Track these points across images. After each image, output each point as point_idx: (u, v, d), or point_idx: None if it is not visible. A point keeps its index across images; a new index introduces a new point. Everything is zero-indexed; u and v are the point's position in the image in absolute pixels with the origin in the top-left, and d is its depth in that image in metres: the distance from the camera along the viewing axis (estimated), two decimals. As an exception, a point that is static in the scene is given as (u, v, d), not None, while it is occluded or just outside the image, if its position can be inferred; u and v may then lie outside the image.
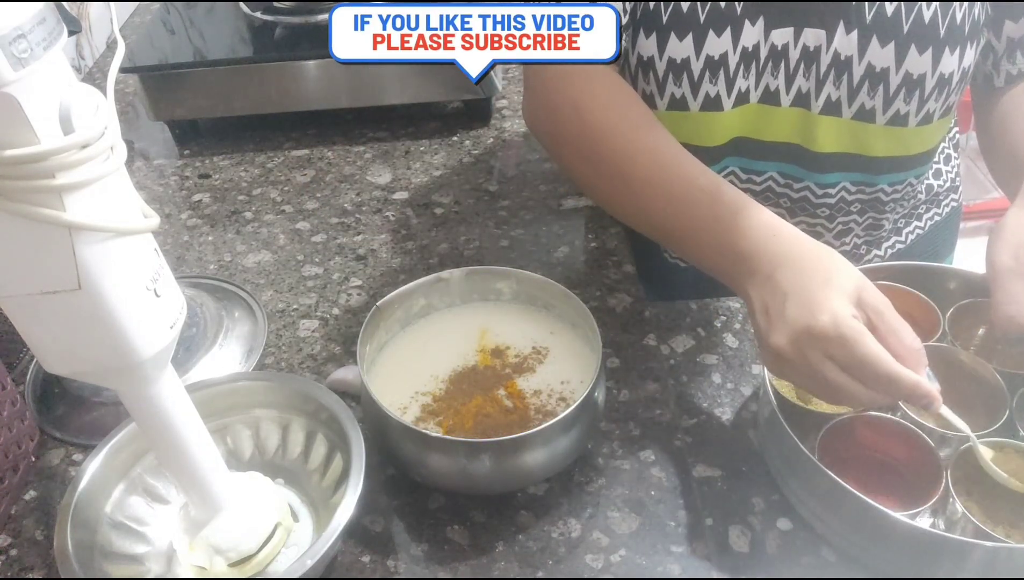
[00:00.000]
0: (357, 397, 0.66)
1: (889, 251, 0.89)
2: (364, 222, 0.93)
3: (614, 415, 0.68)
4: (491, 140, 1.07)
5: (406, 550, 0.60)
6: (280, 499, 0.59)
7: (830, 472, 0.54)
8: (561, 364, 0.66)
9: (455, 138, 1.07)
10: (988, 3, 0.70)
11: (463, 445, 0.57)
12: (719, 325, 0.76)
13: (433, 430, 0.61)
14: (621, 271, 0.83)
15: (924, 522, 0.58)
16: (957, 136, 0.93)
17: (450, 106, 1.13)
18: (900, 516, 0.51)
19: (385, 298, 0.67)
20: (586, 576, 0.57)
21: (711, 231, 0.62)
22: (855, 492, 0.53)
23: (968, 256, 0.91)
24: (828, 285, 0.54)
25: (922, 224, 0.90)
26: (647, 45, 0.73)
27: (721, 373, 0.72)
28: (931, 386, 0.53)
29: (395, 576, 0.58)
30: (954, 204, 0.94)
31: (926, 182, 0.87)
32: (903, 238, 0.89)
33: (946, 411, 0.56)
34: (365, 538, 0.60)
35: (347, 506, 0.54)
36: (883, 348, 0.52)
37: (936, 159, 0.88)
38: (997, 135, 0.75)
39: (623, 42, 0.74)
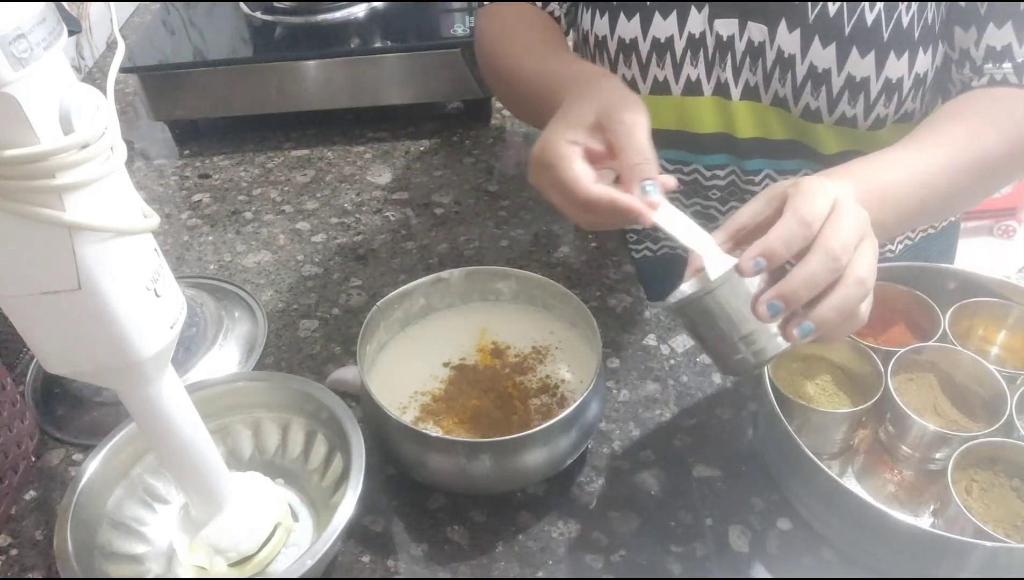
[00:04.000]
0: (357, 397, 0.66)
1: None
2: (364, 222, 0.93)
3: (614, 415, 0.68)
4: (491, 140, 1.07)
5: (406, 550, 0.60)
6: (280, 499, 0.59)
7: (831, 472, 0.54)
8: (561, 364, 0.66)
9: (455, 138, 1.07)
10: (942, 7, 0.68)
11: (463, 445, 0.57)
12: (719, 325, 0.76)
13: (433, 430, 0.61)
14: (621, 271, 0.83)
15: (924, 522, 0.58)
16: None
17: (450, 106, 1.13)
18: (900, 516, 0.52)
19: (385, 298, 0.67)
20: (586, 576, 0.57)
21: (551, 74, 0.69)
22: (855, 492, 0.53)
23: (968, 256, 0.91)
24: (562, 115, 0.60)
25: (913, 234, 0.89)
26: (601, 25, 0.76)
27: (721, 373, 0.72)
28: (632, 201, 0.54)
29: (395, 576, 0.58)
30: (952, 217, 0.93)
31: None
32: (893, 246, 0.88)
33: (662, 220, 0.54)
34: (365, 538, 0.60)
35: (347, 506, 0.54)
36: (581, 173, 0.56)
37: None
38: None
39: (583, 23, 0.79)
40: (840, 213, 0.49)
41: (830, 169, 0.59)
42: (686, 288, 0.55)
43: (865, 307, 0.51)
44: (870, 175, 0.58)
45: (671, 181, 0.57)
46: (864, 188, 0.55)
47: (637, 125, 0.57)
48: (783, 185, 0.53)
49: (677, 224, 0.55)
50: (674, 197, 0.86)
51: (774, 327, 0.50)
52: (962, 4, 0.67)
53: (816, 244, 0.48)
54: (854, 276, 0.49)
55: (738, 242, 0.53)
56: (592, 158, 0.58)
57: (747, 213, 0.53)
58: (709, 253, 0.53)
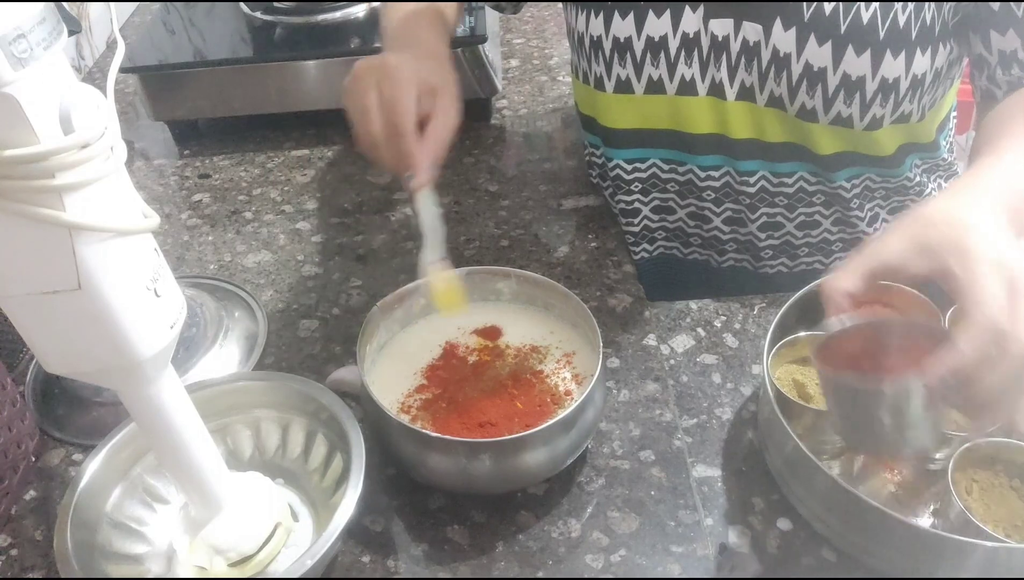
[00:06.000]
0: (357, 397, 0.66)
1: None
2: (364, 222, 0.93)
3: (614, 415, 0.68)
4: (491, 140, 1.07)
5: (406, 550, 0.60)
6: (280, 499, 0.59)
7: (830, 473, 0.54)
8: (561, 364, 0.66)
9: (455, 138, 1.07)
10: (945, 9, 0.68)
11: (463, 445, 0.57)
12: (719, 325, 0.76)
13: (433, 430, 0.61)
14: (621, 271, 0.83)
15: (924, 522, 0.58)
16: (954, 149, 0.91)
17: (450, 106, 1.13)
18: (900, 516, 0.51)
19: (385, 298, 0.67)
20: (586, 576, 0.57)
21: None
22: (855, 492, 0.53)
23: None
24: (413, 56, 0.67)
25: None
26: (596, 25, 0.77)
27: (721, 373, 0.72)
28: (424, 162, 0.63)
29: (395, 576, 0.58)
30: None
31: (925, 195, 0.85)
32: None
33: (422, 200, 0.65)
34: (365, 538, 0.60)
35: (347, 506, 0.54)
36: (413, 106, 0.62)
37: (939, 172, 0.86)
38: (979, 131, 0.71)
39: (578, 25, 0.80)
40: (1020, 297, 0.47)
41: (958, 187, 0.55)
42: (838, 341, 0.53)
43: None
44: (1006, 189, 0.55)
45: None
46: (1004, 204, 0.53)
47: (449, 117, 0.66)
48: (937, 234, 0.50)
49: (427, 211, 0.66)
50: (669, 198, 0.87)
51: (929, 434, 0.50)
52: (994, 6, 0.67)
53: (1011, 355, 0.46)
54: None
55: (877, 282, 0.52)
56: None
57: (893, 255, 0.51)
58: (433, 251, 0.65)
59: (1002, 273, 0.47)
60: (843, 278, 0.52)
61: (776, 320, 0.65)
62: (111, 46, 1.36)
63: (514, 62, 1.23)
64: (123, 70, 1.01)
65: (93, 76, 1.28)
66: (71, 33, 0.44)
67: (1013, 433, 0.55)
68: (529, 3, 0.85)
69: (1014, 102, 0.67)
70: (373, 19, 1.09)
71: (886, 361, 0.54)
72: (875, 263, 0.51)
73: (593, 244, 0.87)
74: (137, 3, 1.47)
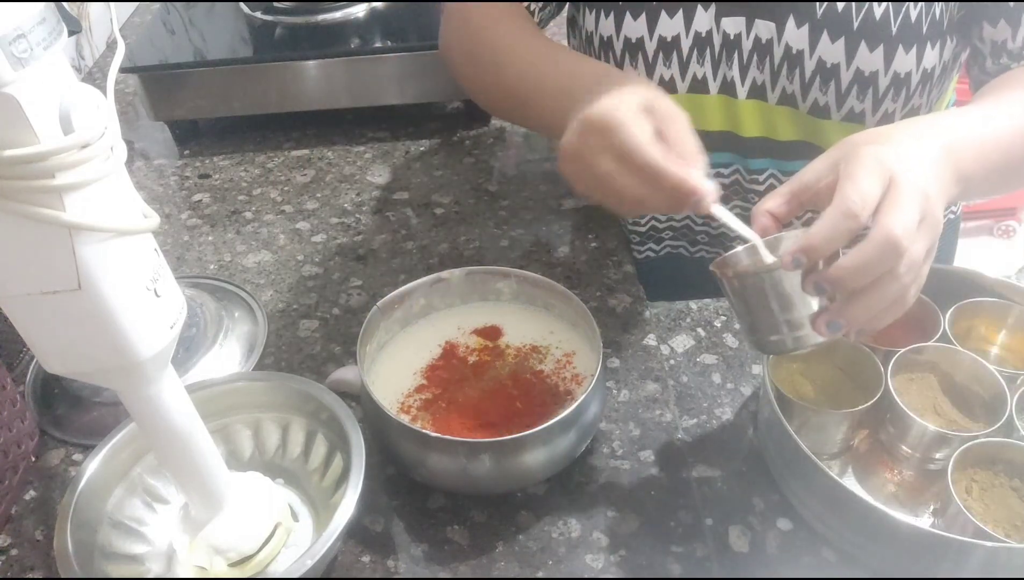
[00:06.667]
0: (357, 397, 0.66)
1: None
2: (364, 222, 0.93)
3: (614, 415, 0.68)
4: (491, 140, 1.07)
5: (406, 550, 0.60)
6: (280, 499, 0.59)
7: (831, 472, 0.54)
8: (561, 364, 0.66)
9: (455, 138, 1.07)
10: (952, 5, 0.70)
11: (463, 445, 0.57)
12: (719, 325, 0.76)
13: (433, 430, 0.61)
14: (621, 271, 0.83)
15: (924, 522, 0.58)
16: None
17: (450, 106, 1.13)
18: (900, 516, 0.52)
19: (385, 298, 0.67)
20: (586, 576, 0.57)
21: (553, 76, 0.67)
22: (855, 492, 0.53)
23: (968, 256, 0.91)
24: (611, 92, 0.57)
25: None
26: (606, 25, 0.76)
27: (721, 373, 0.72)
28: (700, 182, 0.53)
29: (395, 576, 0.58)
30: (951, 216, 0.93)
31: None
32: None
33: (720, 211, 0.54)
34: (365, 538, 0.60)
35: (347, 506, 0.54)
36: (650, 140, 0.54)
37: None
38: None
39: (587, 24, 0.78)
40: (899, 194, 0.47)
41: (904, 122, 0.56)
42: (739, 256, 0.55)
43: (914, 292, 0.49)
44: (956, 128, 0.56)
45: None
46: (951, 139, 0.54)
47: (686, 119, 0.57)
48: (849, 146, 0.51)
49: (731, 216, 0.54)
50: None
51: (806, 318, 0.50)
52: (989, 4, 0.68)
53: (873, 234, 0.46)
54: (909, 263, 0.47)
55: (800, 203, 0.53)
56: None
57: (810, 174, 0.52)
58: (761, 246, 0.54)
59: (883, 171, 0.48)
60: (767, 200, 0.53)
61: (776, 320, 0.65)
62: (111, 46, 1.36)
63: (514, 62, 1.23)
64: (123, 70, 1.01)
65: (93, 76, 1.28)
66: (71, 33, 0.44)
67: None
68: (532, 3, 0.84)
69: (999, 81, 0.69)
70: (373, 19, 1.09)
71: None
72: (795, 184, 0.53)
73: (593, 244, 0.87)
74: (137, 3, 1.47)
